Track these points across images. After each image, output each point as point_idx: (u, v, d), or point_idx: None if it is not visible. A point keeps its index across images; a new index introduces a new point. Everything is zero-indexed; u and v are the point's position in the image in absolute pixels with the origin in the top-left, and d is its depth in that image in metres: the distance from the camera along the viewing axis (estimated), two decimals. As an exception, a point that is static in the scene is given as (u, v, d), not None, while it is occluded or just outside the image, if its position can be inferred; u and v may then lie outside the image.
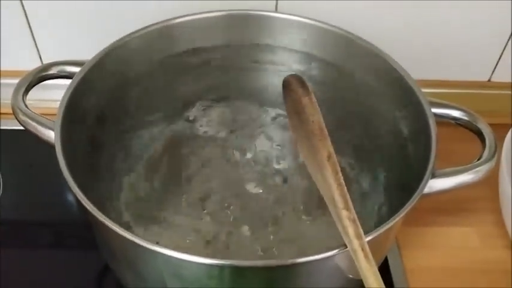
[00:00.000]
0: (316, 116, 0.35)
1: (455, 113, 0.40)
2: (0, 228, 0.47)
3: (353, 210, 0.31)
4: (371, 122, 0.43)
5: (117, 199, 0.44)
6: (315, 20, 0.44)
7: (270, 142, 0.50)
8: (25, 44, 0.52)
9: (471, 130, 0.39)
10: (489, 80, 0.56)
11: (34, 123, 0.38)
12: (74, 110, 0.38)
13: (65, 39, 0.52)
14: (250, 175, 0.49)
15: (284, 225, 0.45)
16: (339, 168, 0.33)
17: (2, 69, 0.54)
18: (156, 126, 0.48)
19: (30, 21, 0.51)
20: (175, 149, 0.49)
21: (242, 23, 0.45)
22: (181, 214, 0.45)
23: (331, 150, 0.33)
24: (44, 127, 0.37)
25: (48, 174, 0.48)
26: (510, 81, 0.55)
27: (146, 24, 0.43)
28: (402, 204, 0.33)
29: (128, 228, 0.41)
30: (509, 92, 0.55)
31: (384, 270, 0.44)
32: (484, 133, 0.38)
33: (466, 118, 0.40)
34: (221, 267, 0.30)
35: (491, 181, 0.46)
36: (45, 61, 0.51)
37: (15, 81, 0.40)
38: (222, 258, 0.30)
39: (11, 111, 0.39)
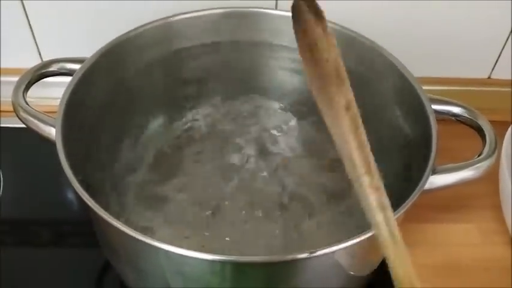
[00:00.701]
0: (332, 54, 0.27)
1: (456, 110, 0.40)
2: (0, 226, 0.47)
3: (377, 175, 0.25)
4: (371, 119, 0.43)
5: (118, 196, 0.44)
6: (315, 17, 0.44)
7: (274, 135, 0.50)
8: (25, 42, 0.52)
9: (471, 127, 0.39)
10: (489, 77, 0.56)
11: (35, 120, 0.38)
12: (74, 107, 0.38)
13: (65, 37, 0.52)
14: (255, 167, 0.48)
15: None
16: (360, 122, 0.26)
17: (1, 67, 0.54)
18: (157, 123, 0.48)
19: (30, 19, 0.51)
20: (177, 146, 0.49)
21: (242, 21, 0.45)
22: (186, 210, 0.45)
23: (351, 97, 0.26)
24: (44, 124, 0.37)
25: (48, 172, 0.48)
26: (510, 78, 0.55)
27: (146, 22, 0.43)
28: (403, 201, 0.33)
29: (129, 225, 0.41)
30: (509, 89, 0.55)
31: (384, 267, 0.44)
32: (485, 129, 0.38)
33: (466, 115, 0.40)
34: (223, 263, 0.30)
35: (491, 178, 0.46)
36: (45, 59, 0.51)
37: (15, 79, 0.40)
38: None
39: (11, 109, 0.39)
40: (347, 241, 0.31)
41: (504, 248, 0.47)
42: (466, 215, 0.49)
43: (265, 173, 0.48)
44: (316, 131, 0.49)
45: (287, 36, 0.45)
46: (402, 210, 0.33)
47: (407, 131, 0.41)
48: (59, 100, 0.38)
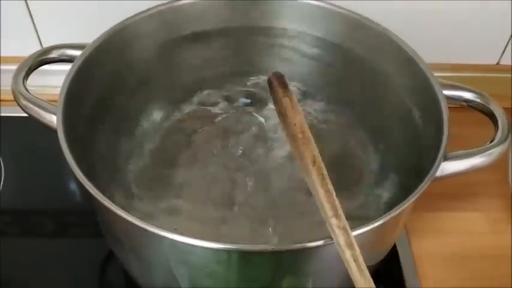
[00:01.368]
0: (297, 118, 0.33)
1: (467, 95, 0.39)
2: (2, 216, 0.46)
3: (343, 217, 0.30)
4: (382, 105, 0.43)
5: (121, 184, 0.43)
6: (326, 3, 0.43)
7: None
8: (25, 29, 0.52)
9: (483, 112, 0.39)
10: (498, 63, 0.55)
11: (36, 108, 0.37)
12: (75, 93, 0.37)
13: (65, 25, 0.51)
14: (262, 157, 0.47)
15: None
16: (325, 173, 0.31)
17: (1, 55, 0.53)
18: (159, 109, 0.47)
19: (30, 6, 0.50)
20: (179, 132, 0.48)
21: (251, 6, 0.45)
22: (190, 197, 0.45)
23: (316, 153, 0.32)
24: (45, 111, 0.37)
25: (49, 162, 0.47)
26: (519, 64, 0.54)
27: (148, 7, 0.42)
28: (414, 188, 0.32)
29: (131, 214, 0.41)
30: (518, 76, 0.54)
31: (393, 256, 0.43)
32: (497, 115, 0.38)
33: (478, 100, 0.39)
34: (229, 252, 0.30)
35: (500, 166, 0.46)
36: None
37: (15, 67, 0.39)
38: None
39: (11, 98, 0.38)
40: (357, 229, 0.30)
41: (513, 236, 0.46)
42: (474, 203, 0.48)
43: (275, 163, 0.47)
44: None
45: (297, 21, 0.44)
46: (413, 197, 0.32)
47: (418, 117, 0.40)
48: (59, 89, 0.37)
